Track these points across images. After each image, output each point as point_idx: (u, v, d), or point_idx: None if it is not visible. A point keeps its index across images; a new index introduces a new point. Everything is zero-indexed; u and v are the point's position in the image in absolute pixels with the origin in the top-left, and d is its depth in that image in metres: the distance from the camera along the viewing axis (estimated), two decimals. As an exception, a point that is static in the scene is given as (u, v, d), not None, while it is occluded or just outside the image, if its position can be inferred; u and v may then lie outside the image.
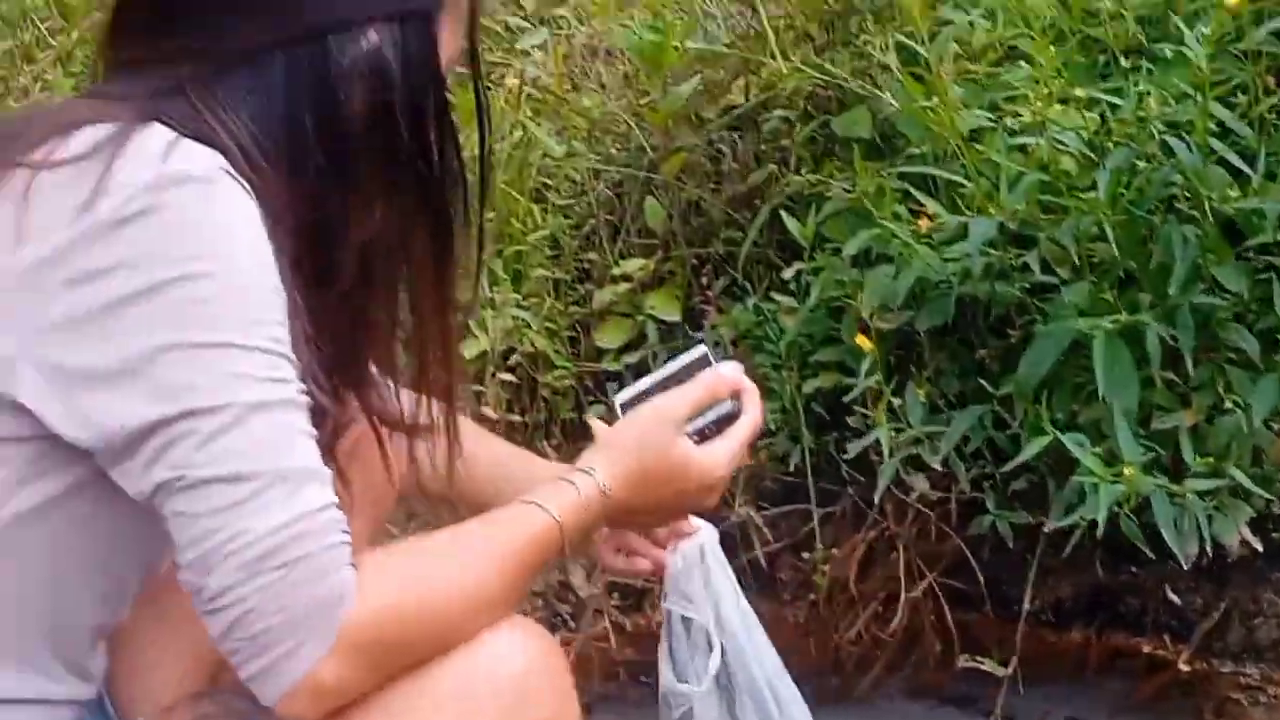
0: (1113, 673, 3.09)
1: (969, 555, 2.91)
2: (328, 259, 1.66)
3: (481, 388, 3.04)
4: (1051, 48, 2.64)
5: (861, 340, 2.64)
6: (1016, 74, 2.73)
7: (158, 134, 1.50)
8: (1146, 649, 3.05)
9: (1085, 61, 2.82)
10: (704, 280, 3.25)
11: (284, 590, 1.43)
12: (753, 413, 1.85)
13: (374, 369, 1.75)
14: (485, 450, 2.02)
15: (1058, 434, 2.45)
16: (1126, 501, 2.41)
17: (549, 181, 3.31)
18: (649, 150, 3.25)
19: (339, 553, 1.47)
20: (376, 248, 1.71)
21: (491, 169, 2.03)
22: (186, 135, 1.51)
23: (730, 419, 1.82)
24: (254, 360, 1.48)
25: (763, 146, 3.21)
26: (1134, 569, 2.89)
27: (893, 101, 2.74)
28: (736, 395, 1.84)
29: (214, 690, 1.70)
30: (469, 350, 3.02)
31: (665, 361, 2.02)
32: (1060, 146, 2.59)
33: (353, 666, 1.49)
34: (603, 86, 3.41)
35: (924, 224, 2.59)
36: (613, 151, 3.33)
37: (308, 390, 1.53)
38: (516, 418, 3.15)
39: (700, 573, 1.96)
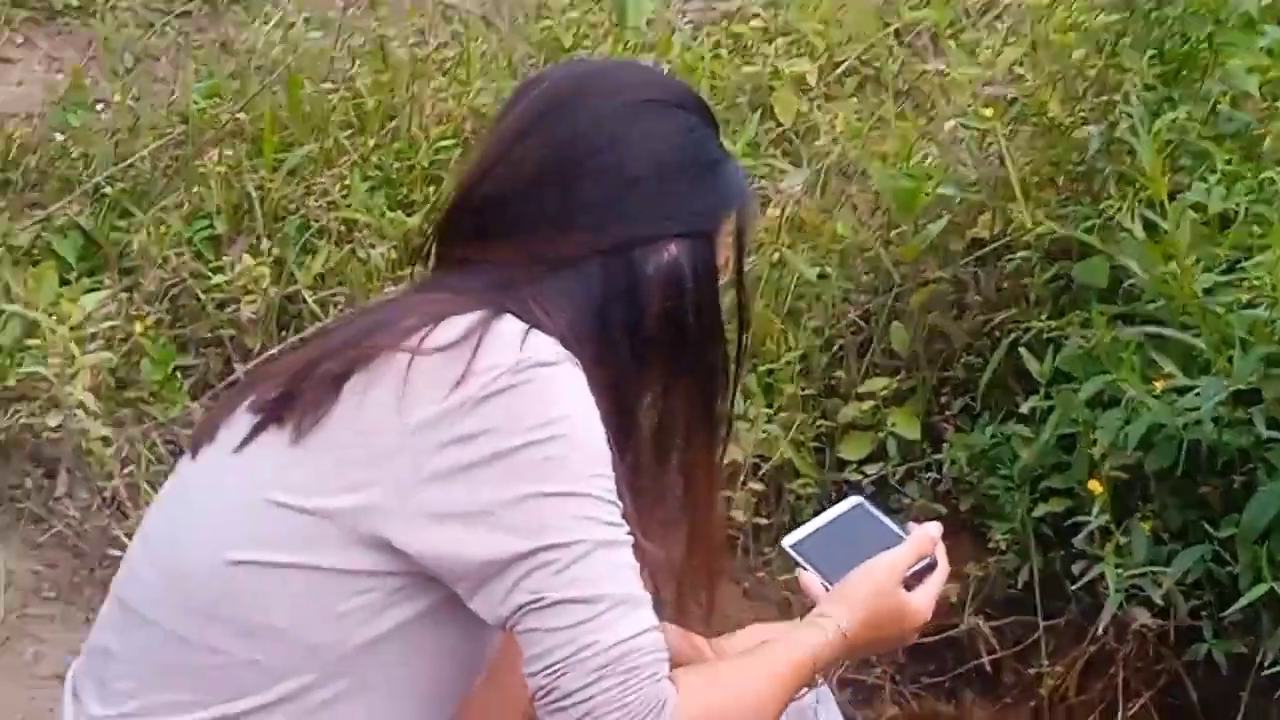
0: None
1: (1184, 677, 3.01)
2: (626, 436, 1.90)
3: (731, 494, 3.21)
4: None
5: (1093, 485, 2.79)
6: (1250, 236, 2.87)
7: (511, 324, 1.75)
8: None
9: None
10: (943, 401, 3.40)
11: (624, 694, 1.65)
12: (944, 564, 2.06)
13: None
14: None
15: (1275, 584, 2.59)
16: None
17: (801, 304, 3.47)
18: (897, 278, 3.41)
19: (663, 667, 1.69)
20: (660, 425, 1.99)
21: (746, 353, 2.30)
22: (530, 324, 1.77)
23: (929, 569, 2.03)
24: (597, 506, 1.71)
25: (1004, 283, 3.34)
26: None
27: (1130, 263, 2.87)
28: (933, 549, 2.06)
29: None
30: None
31: (823, 510, 2.23)
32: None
33: None
34: (855, 209, 3.57)
35: (1159, 384, 2.74)
36: (863, 277, 3.48)
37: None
38: (763, 520, 3.33)
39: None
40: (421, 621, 1.81)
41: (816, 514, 2.23)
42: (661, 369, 1.98)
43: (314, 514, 1.79)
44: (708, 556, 2.11)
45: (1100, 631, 3.08)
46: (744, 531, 3.37)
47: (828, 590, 2.06)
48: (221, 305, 3.46)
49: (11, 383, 3.12)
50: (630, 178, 1.94)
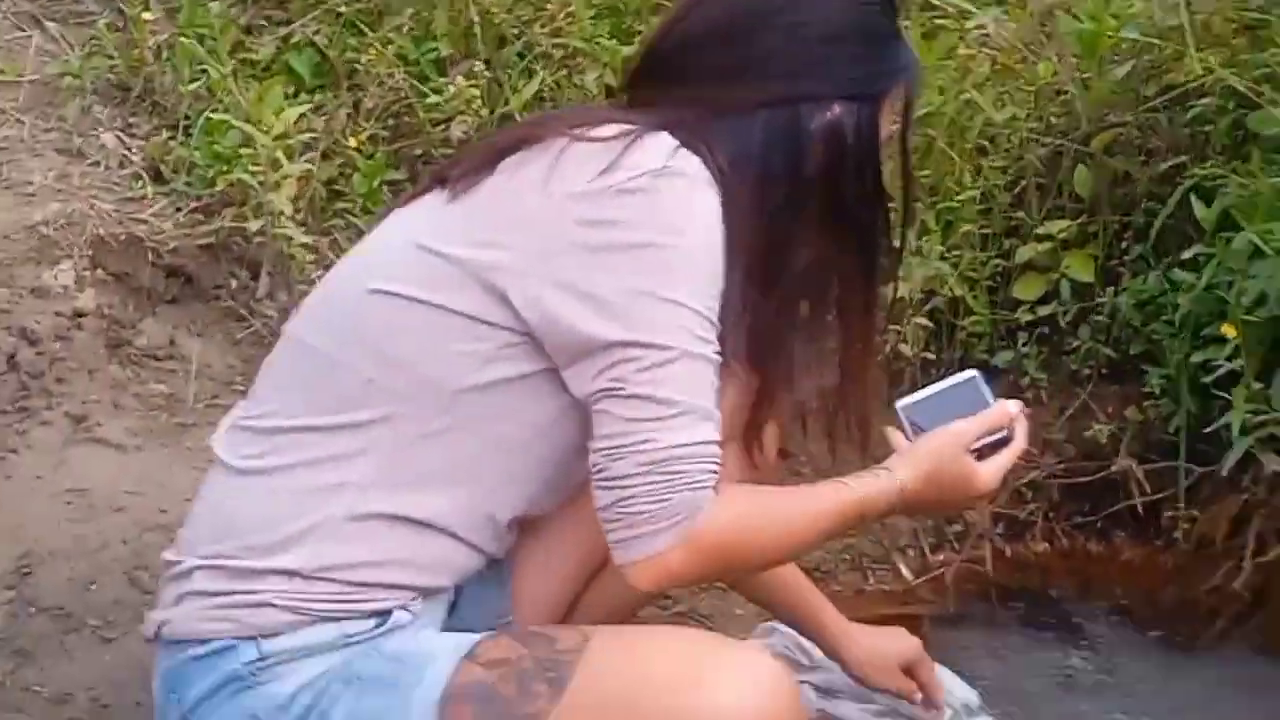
0: None
1: None
2: (776, 272, 2.07)
3: (899, 328, 3.31)
4: None
5: (1227, 328, 2.80)
6: None
7: (666, 139, 1.92)
8: None
9: None
10: (1123, 246, 3.40)
11: (665, 491, 1.82)
12: (1021, 440, 2.18)
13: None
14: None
15: None
16: None
17: (986, 144, 3.49)
18: (1085, 122, 3.41)
19: (710, 478, 1.85)
20: (813, 268, 2.12)
21: (912, 218, 2.55)
22: (686, 148, 1.93)
23: (1004, 443, 2.14)
24: (695, 319, 1.88)
25: (1187, 130, 3.32)
26: None
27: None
28: (1011, 424, 2.16)
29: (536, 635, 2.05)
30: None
31: (942, 378, 2.35)
32: None
33: (692, 562, 1.87)
34: (1057, 57, 3.54)
35: None
36: (1052, 119, 3.49)
37: (722, 355, 1.91)
38: (930, 355, 3.42)
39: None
40: (524, 384, 1.99)
41: (938, 379, 2.36)
42: (819, 219, 2.12)
43: (449, 259, 1.97)
44: (860, 393, 2.25)
45: (1252, 481, 3.11)
46: (912, 365, 3.46)
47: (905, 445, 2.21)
48: (437, 124, 3.62)
49: (222, 187, 3.32)
50: (801, 38, 2.08)
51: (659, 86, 2.14)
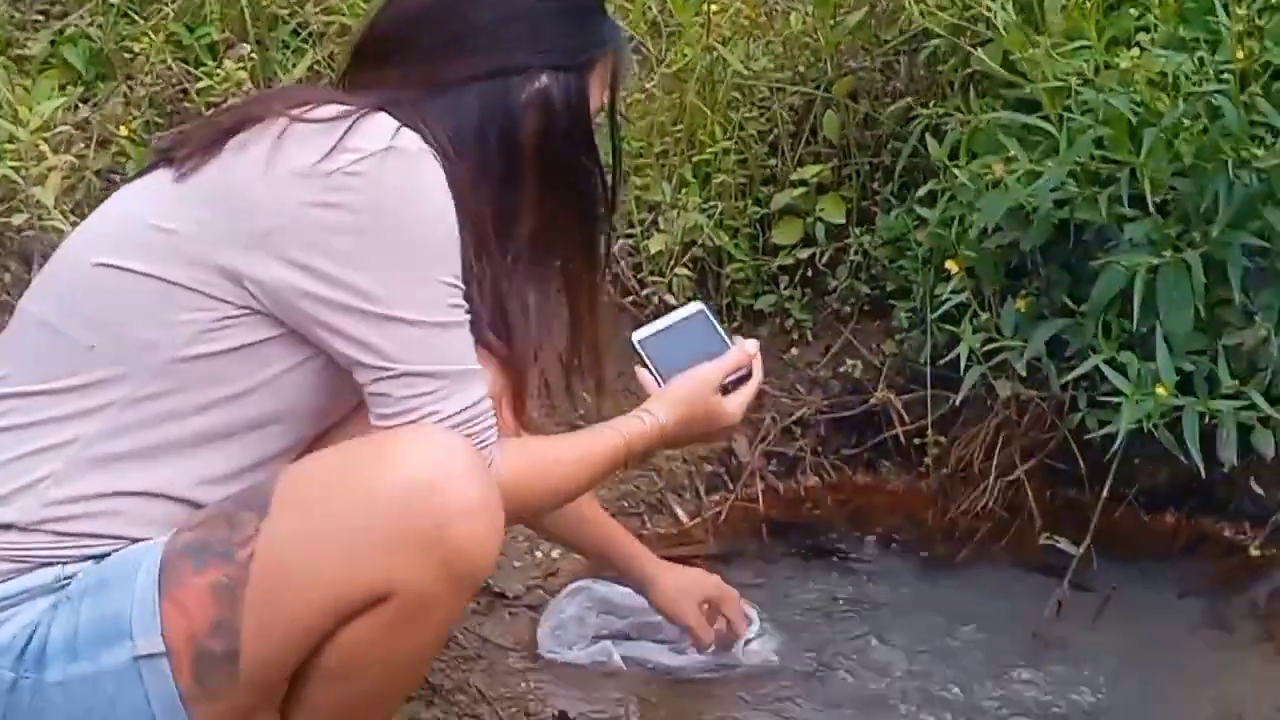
0: (1194, 555, 3.34)
1: (1073, 444, 3.22)
2: (504, 239, 2.22)
3: (662, 278, 3.42)
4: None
5: (951, 263, 2.96)
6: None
7: (384, 119, 2.01)
8: (1227, 534, 3.34)
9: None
10: (874, 188, 3.54)
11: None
12: (758, 375, 2.46)
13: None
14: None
15: (1101, 361, 2.82)
16: (1154, 416, 2.74)
17: (738, 96, 3.60)
18: (831, 69, 3.53)
19: (492, 434, 2.07)
20: (538, 232, 2.28)
21: (622, 184, 2.80)
22: (407, 126, 2.03)
23: (745, 379, 2.43)
24: (444, 289, 2.02)
25: (923, 72, 3.46)
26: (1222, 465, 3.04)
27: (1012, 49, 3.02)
28: (750, 363, 2.46)
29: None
30: (652, 247, 3.43)
31: (670, 311, 2.64)
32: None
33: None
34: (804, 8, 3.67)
35: (997, 168, 2.89)
36: (801, 69, 3.61)
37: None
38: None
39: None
40: (247, 352, 2.09)
41: (665, 314, 2.64)
42: (538, 186, 2.27)
43: (174, 234, 2.05)
44: (591, 350, 2.49)
45: (1004, 406, 3.29)
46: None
47: (660, 387, 2.46)
48: (210, 108, 3.65)
49: (-11, 185, 3.31)
50: (507, 15, 2.22)
51: (377, 67, 2.25)
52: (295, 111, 2.08)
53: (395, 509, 2.03)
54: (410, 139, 2.08)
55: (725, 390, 2.48)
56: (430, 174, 2.07)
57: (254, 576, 2.03)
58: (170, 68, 3.77)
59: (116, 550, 2.10)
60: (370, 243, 2.03)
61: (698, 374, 2.46)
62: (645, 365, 2.49)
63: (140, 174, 2.27)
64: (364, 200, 2.03)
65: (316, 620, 2.04)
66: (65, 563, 2.09)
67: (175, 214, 2.07)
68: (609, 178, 2.41)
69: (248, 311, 2.05)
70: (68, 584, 2.08)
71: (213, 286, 2.05)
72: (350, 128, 2.04)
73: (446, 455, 2.09)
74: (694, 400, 2.47)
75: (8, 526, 2.08)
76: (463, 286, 2.09)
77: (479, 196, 2.17)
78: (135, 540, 2.11)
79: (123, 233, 2.13)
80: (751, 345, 2.53)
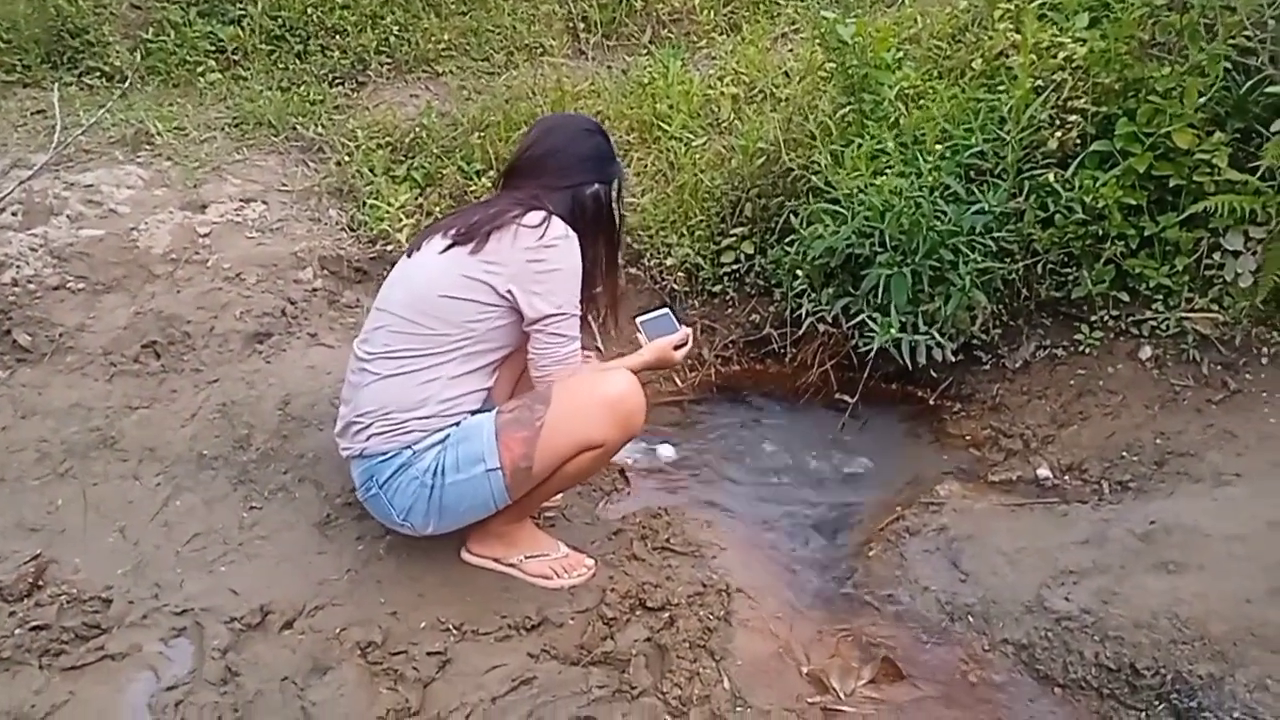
0: (904, 403, 5.17)
1: (853, 354, 5.30)
2: (591, 263, 3.51)
3: (670, 277, 5.58)
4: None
5: (799, 271, 5.25)
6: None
7: (558, 222, 3.36)
8: (920, 393, 5.20)
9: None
10: (767, 237, 5.63)
11: (563, 366, 3.45)
12: (690, 343, 3.80)
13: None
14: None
15: (866, 315, 4.97)
16: (889, 339, 4.65)
17: (707, 195, 5.76)
18: (748, 182, 5.84)
19: (577, 359, 3.41)
20: (596, 259, 3.60)
21: (623, 235, 3.90)
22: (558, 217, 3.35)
23: (685, 342, 3.76)
24: (574, 299, 3.40)
25: (789, 183, 5.61)
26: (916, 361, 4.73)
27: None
28: (688, 337, 3.84)
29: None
30: (667, 262, 5.54)
31: (656, 309, 3.93)
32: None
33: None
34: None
35: (821, 230, 5.19)
36: (736, 182, 5.74)
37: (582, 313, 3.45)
38: (685, 289, 5.78)
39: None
40: (509, 324, 3.39)
41: (658, 308, 3.95)
42: (597, 237, 3.56)
43: (476, 279, 3.26)
44: (612, 306, 3.81)
45: (824, 336, 5.24)
46: (664, 295, 5.67)
47: (646, 343, 3.73)
48: (471, 200, 5.57)
49: None
50: (580, 158, 3.49)
51: (519, 181, 3.45)
52: (518, 219, 3.22)
53: (606, 405, 3.21)
54: (557, 223, 3.19)
55: (676, 348, 3.72)
56: (573, 244, 3.29)
57: (542, 435, 3.20)
58: (457, 181, 6.01)
59: (465, 419, 3.28)
60: (554, 277, 3.26)
61: (663, 340, 3.67)
62: (640, 332, 3.67)
63: (445, 250, 3.28)
64: (554, 257, 3.26)
65: (567, 453, 3.26)
66: (447, 428, 3.28)
67: (474, 269, 3.22)
68: (619, 234, 3.59)
69: (507, 307, 3.28)
70: (449, 436, 3.24)
71: (495, 299, 3.24)
72: (546, 225, 3.22)
73: (621, 380, 3.23)
74: (661, 351, 3.67)
75: (425, 417, 3.23)
76: (580, 296, 3.27)
77: (584, 246, 3.36)
78: (471, 413, 3.28)
79: (450, 279, 3.22)
80: (687, 330, 3.77)
